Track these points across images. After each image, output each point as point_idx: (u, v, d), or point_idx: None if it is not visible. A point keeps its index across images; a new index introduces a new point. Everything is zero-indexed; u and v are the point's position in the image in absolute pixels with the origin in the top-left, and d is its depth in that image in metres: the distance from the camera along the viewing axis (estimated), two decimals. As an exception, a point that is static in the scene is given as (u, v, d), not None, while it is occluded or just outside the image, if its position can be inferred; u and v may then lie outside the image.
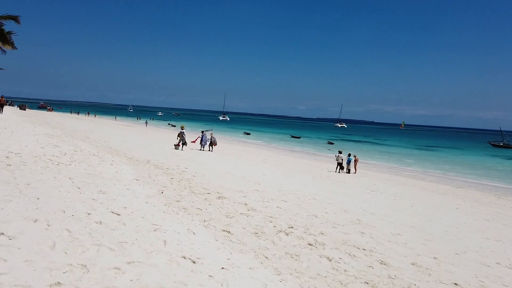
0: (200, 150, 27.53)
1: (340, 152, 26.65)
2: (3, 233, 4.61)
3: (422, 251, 8.03)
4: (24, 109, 64.28)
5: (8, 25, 21.98)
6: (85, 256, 4.39)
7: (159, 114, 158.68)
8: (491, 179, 31.77)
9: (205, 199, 9.66)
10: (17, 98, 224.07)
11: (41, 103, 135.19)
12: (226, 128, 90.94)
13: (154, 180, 11.23)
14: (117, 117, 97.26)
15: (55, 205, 6.35)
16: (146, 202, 8.00)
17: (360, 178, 23.78)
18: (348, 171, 25.87)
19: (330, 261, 6.15)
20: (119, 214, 6.54)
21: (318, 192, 15.00)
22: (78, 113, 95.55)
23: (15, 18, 22.07)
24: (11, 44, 22.72)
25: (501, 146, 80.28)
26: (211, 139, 28.34)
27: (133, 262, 4.50)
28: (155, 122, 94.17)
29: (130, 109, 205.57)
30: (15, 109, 59.32)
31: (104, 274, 4.04)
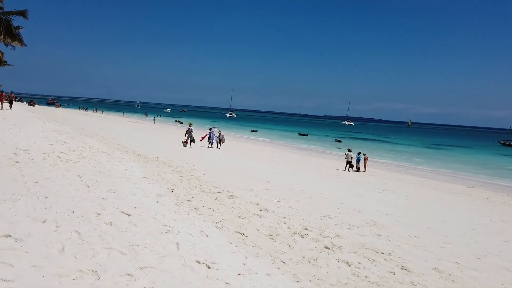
0: (208, 147, 27.35)
1: (349, 151, 26.26)
2: (10, 235, 4.40)
3: (442, 255, 7.72)
4: (33, 105, 64.63)
5: (16, 21, 21.86)
6: (96, 261, 4.17)
7: (166, 111, 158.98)
8: (503, 178, 31.16)
9: (216, 198, 9.43)
10: (26, 94, 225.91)
11: (50, 99, 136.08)
12: (233, 125, 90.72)
13: (163, 178, 11.02)
14: (124, 114, 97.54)
15: (64, 205, 6.14)
16: (157, 202, 7.78)
17: (370, 177, 23.44)
18: (358, 170, 25.54)
19: (349, 266, 5.88)
20: (129, 215, 6.32)
21: (329, 191, 14.72)
22: (86, 109, 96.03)
23: (22, 13, 21.93)
24: (20, 41, 22.62)
25: (512, 145, 79.16)
26: (219, 136, 28.16)
27: (146, 267, 4.27)
28: (162, 118, 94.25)
29: (138, 106, 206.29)
30: (24, 105, 59.69)
31: (116, 281, 3.81)
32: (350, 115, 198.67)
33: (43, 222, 5.12)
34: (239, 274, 4.67)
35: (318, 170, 23.27)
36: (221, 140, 28.07)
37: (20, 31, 22.45)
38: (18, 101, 67.55)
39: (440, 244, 8.69)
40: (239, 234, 6.48)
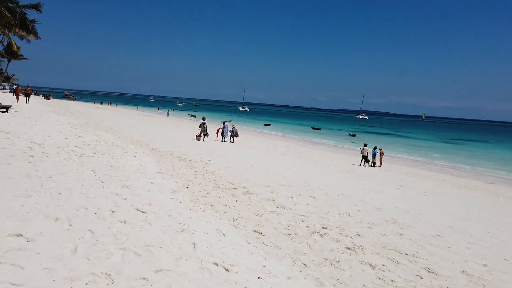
0: (222, 141, 27.18)
1: (365, 145, 25.78)
2: (21, 234, 4.23)
3: (468, 256, 7.35)
4: (49, 99, 65.48)
5: (31, 15, 21.91)
6: (109, 263, 3.97)
7: (180, 105, 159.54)
8: (524, 174, 30.27)
9: (232, 194, 9.20)
10: (42, 87, 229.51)
11: (65, 92, 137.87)
12: (246, 119, 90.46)
13: (178, 173, 10.84)
14: (138, 107, 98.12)
15: (78, 201, 5.98)
16: (172, 198, 7.58)
17: (386, 172, 22.98)
18: (373, 165, 25.08)
19: (373, 268, 5.58)
20: (144, 212, 6.13)
21: (346, 187, 14.37)
22: (101, 103, 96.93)
23: (36, 6, 21.94)
24: (35, 34, 22.70)
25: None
26: (232, 130, 27.95)
27: (162, 270, 4.06)
28: (175, 112, 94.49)
29: (151, 99, 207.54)
30: (40, 99, 60.48)
31: (131, 285, 3.60)
32: (364, 109, 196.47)
33: (56, 220, 4.95)
34: (259, 277, 4.42)
35: (333, 165, 22.89)
36: (234, 134, 27.86)
37: (35, 24, 22.49)
38: (34, 94, 68.45)
39: (465, 244, 8.32)
40: (257, 233, 6.23)
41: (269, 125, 73.19)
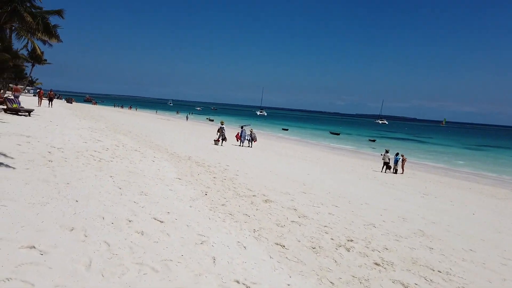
0: (240, 146, 26.97)
1: (387, 151, 25.15)
2: (34, 247, 4.03)
3: (506, 274, 6.84)
4: (71, 102, 66.83)
5: (53, 20, 22.27)
6: (125, 280, 3.72)
7: (198, 109, 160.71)
8: (554, 183, 28.95)
9: (252, 202, 8.90)
10: (64, 91, 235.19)
11: (87, 96, 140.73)
12: (264, 123, 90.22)
13: (196, 180, 10.62)
14: (157, 111, 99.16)
15: (94, 210, 5.79)
16: (190, 206, 7.34)
17: (409, 179, 22.31)
18: (395, 171, 24.43)
19: (406, 288, 5.18)
20: (162, 222, 5.90)
21: (369, 195, 13.89)
22: (122, 106, 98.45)
23: (59, 12, 22.32)
24: (57, 37, 23.07)
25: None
26: (250, 134, 27.70)
27: (180, 288, 3.78)
28: (194, 116, 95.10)
29: (170, 103, 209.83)
30: (62, 102, 61.75)
31: (147, 307, 3.33)
32: (383, 113, 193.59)
33: (71, 230, 4.75)
34: (284, 297, 4.11)
35: (354, 171, 22.35)
36: (253, 138, 27.61)
37: (57, 29, 22.85)
38: (57, 98, 70.00)
39: (500, 260, 7.78)
40: (279, 246, 5.90)
41: (287, 129, 72.76)
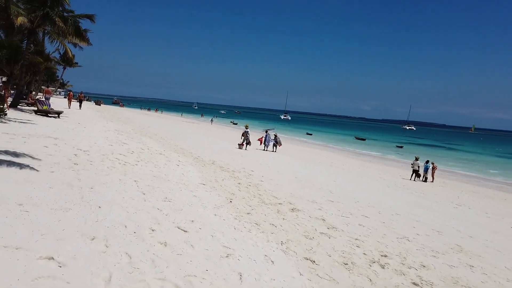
0: (264, 150, 26.68)
1: (416, 159, 24.29)
2: (53, 258, 3.83)
3: (558, 298, 6.22)
4: (99, 105, 68.43)
5: (84, 24, 22.76)
6: (146, 299, 3.46)
7: (222, 112, 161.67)
8: None
9: (278, 211, 8.55)
10: (93, 93, 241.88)
11: (115, 99, 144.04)
12: (287, 128, 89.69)
13: (221, 185, 10.36)
14: (183, 114, 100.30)
15: (117, 217, 5.59)
16: (215, 215, 7.06)
17: (440, 188, 21.42)
18: (425, 180, 23.56)
19: (450, 314, 4.71)
20: (186, 231, 5.63)
21: (399, 204, 13.28)
22: (149, 109, 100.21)
23: (90, 17, 22.79)
24: (87, 41, 23.55)
25: None
26: (275, 139, 27.36)
27: (204, 309, 3.49)
28: (218, 119, 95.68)
29: (195, 106, 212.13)
30: (91, 104, 63.31)
31: (169, 331, 3.05)
32: (410, 119, 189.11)
33: (92, 239, 4.54)
34: (316, 322, 3.74)
35: (382, 179, 21.63)
36: (278, 143, 27.27)
37: (87, 33, 23.31)
38: (86, 100, 71.86)
39: (549, 281, 7.12)
40: (309, 261, 5.52)
41: (311, 134, 71.99)
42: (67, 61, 59.47)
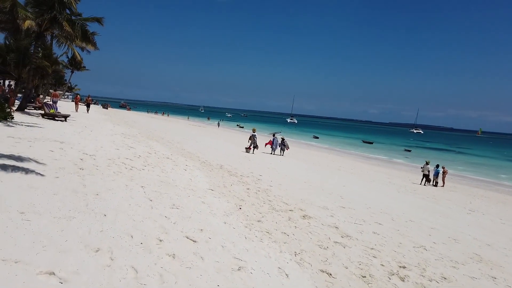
0: (271, 154, 26.38)
1: (427, 163, 23.84)
2: (54, 273, 3.56)
3: None
4: (107, 108, 68.60)
5: (92, 27, 22.69)
6: (153, 320, 3.18)
7: (228, 115, 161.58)
8: None
9: (289, 218, 8.24)
10: (101, 97, 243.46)
11: (122, 102, 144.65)
12: (294, 131, 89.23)
13: (229, 191, 10.08)
14: (189, 117, 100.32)
15: (123, 226, 5.33)
16: (225, 223, 6.77)
17: (451, 193, 20.95)
18: (435, 184, 23.10)
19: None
20: (195, 241, 5.35)
21: (411, 210, 12.91)
22: (156, 112, 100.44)
23: (99, 20, 22.72)
24: (94, 45, 23.47)
25: None
26: (283, 142, 27.05)
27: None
28: (224, 123, 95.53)
29: (201, 110, 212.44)
30: (98, 108, 63.50)
31: None
32: (418, 122, 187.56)
33: (96, 251, 4.28)
34: None
35: (391, 183, 21.22)
36: (286, 146, 26.95)
37: (95, 36, 23.23)
38: (94, 104, 72.11)
39: None
40: (325, 274, 5.21)
41: (317, 137, 71.50)
42: (75, 64, 59.80)
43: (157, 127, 35.66)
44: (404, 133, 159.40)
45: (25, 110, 23.46)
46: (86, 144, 12.94)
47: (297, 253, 5.87)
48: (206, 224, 6.43)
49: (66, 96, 76.25)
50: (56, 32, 24.32)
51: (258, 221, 7.49)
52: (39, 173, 7.45)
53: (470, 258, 8.03)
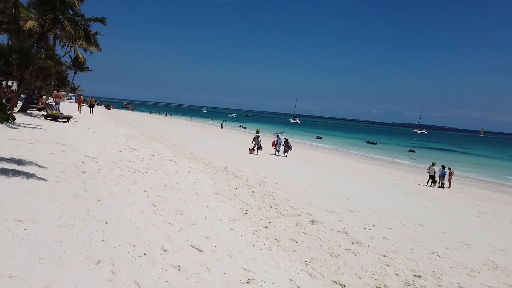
0: (275, 155, 26.11)
1: (433, 164, 23.49)
2: (51, 290, 3.31)
3: None
4: (110, 109, 68.52)
5: (95, 27, 22.49)
6: None
7: (231, 116, 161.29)
8: None
9: (297, 224, 7.97)
10: (104, 98, 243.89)
11: (125, 103, 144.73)
12: (297, 131, 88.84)
13: (235, 195, 9.82)
14: (192, 118, 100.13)
15: (125, 235, 5.08)
16: (231, 229, 6.51)
17: (457, 195, 20.63)
18: (442, 186, 22.77)
19: None
20: (201, 251, 5.09)
21: (420, 213, 12.62)
22: (159, 113, 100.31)
23: (101, 20, 22.51)
24: (97, 46, 23.26)
25: None
26: (286, 143, 26.76)
27: None
28: (227, 123, 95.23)
29: (204, 110, 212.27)
30: (101, 109, 63.40)
31: None
32: (421, 123, 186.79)
33: (97, 263, 4.02)
34: None
35: (397, 185, 20.91)
36: (288, 147, 26.66)
37: (97, 36, 23.02)
38: (97, 104, 72.07)
39: None
40: (338, 286, 4.94)
41: (321, 138, 71.10)
42: (78, 65, 59.75)
43: (160, 128, 35.44)
44: (407, 133, 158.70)
45: (28, 111, 23.28)
46: (88, 146, 12.71)
47: (307, 262, 5.60)
48: (212, 231, 6.17)
49: (69, 97, 76.22)
50: (58, 32, 24.14)
51: (266, 227, 7.22)
52: (39, 177, 7.21)
53: (485, 265, 7.74)
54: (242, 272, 4.67)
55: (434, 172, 23.09)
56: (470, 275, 6.77)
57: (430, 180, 22.99)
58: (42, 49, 26.46)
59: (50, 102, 30.81)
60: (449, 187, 22.94)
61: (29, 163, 8.36)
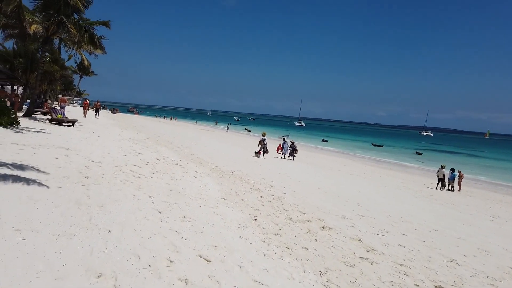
0: (281, 158, 25.80)
1: (442, 167, 23.07)
2: (48, 309, 3.03)
3: None
4: (115, 113, 68.60)
5: (99, 30, 22.39)
6: None
7: (236, 119, 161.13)
8: None
9: (308, 230, 7.64)
10: (110, 102, 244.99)
11: (130, 107, 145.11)
12: (302, 134, 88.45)
13: (242, 200, 9.52)
14: (197, 121, 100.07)
15: (129, 245, 4.79)
16: (240, 237, 6.20)
17: (468, 198, 20.19)
18: (451, 189, 22.36)
19: None
20: (209, 261, 4.79)
21: (432, 218, 12.25)
22: (164, 117, 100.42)
23: (106, 24, 22.40)
24: (102, 49, 23.13)
25: None
26: (292, 146, 26.45)
27: None
28: (232, 126, 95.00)
29: (209, 114, 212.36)
30: (107, 113, 63.48)
31: None
32: (428, 125, 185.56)
33: (99, 277, 3.74)
34: None
35: (406, 188, 20.50)
36: (294, 150, 26.35)
37: (102, 40, 22.90)
38: (102, 109, 72.15)
39: None
40: (357, 299, 4.62)
41: (326, 141, 70.66)
42: (83, 69, 59.89)
43: (165, 132, 35.26)
44: (413, 135, 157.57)
45: (33, 115, 23.18)
46: (92, 151, 12.48)
47: (322, 273, 5.28)
48: (220, 239, 5.87)
49: (75, 101, 76.46)
50: (63, 36, 24.05)
51: (276, 234, 6.91)
52: (41, 183, 6.96)
53: (507, 273, 7.36)
54: (254, 285, 4.36)
55: (444, 175, 22.68)
56: (493, 284, 6.41)
57: (440, 183, 22.58)
58: (47, 53, 26.41)
59: (56, 106, 30.75)
60: (459, 190, 22.55)
61: (31, 168, 8.12)
